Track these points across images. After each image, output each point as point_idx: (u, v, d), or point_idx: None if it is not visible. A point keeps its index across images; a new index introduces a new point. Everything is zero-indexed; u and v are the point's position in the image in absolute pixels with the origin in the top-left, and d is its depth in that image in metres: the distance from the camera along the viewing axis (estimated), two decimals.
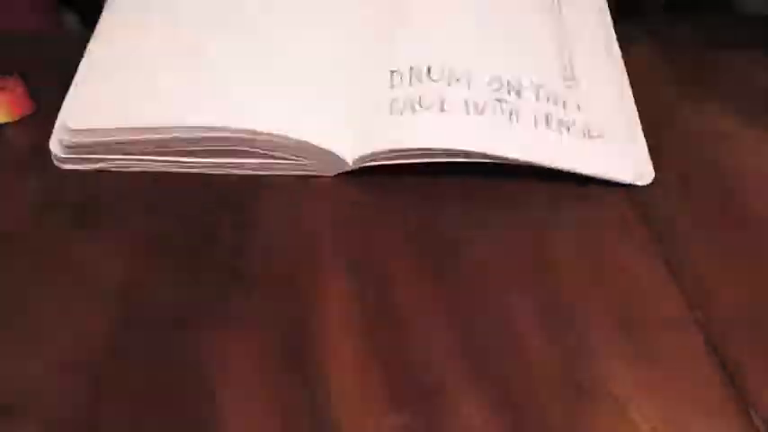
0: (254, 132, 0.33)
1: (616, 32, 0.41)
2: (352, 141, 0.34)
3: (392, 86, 0.35)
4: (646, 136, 0.36)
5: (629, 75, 0.38)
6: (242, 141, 0.33)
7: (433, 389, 0.25)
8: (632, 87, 0.38)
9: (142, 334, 0.27)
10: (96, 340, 0.27)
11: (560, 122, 0.35)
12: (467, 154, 0.33)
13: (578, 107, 0.36)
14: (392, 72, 0.36)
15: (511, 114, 0.34)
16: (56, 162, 0.35)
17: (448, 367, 0.25)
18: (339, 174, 0.35)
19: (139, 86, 0.35)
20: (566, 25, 0.40)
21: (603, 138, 0.35)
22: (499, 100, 0.34)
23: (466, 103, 0.34)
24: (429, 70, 0.35)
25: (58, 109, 0.43)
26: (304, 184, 0.34)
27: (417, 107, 0.34)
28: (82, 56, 0.51)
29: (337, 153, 0.33)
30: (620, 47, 0.40)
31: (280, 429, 0.23)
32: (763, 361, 0.25)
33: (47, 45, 0.51)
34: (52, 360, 0.26)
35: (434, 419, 0.24)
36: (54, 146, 0.35)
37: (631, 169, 0.34)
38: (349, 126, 0.34)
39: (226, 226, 0.32)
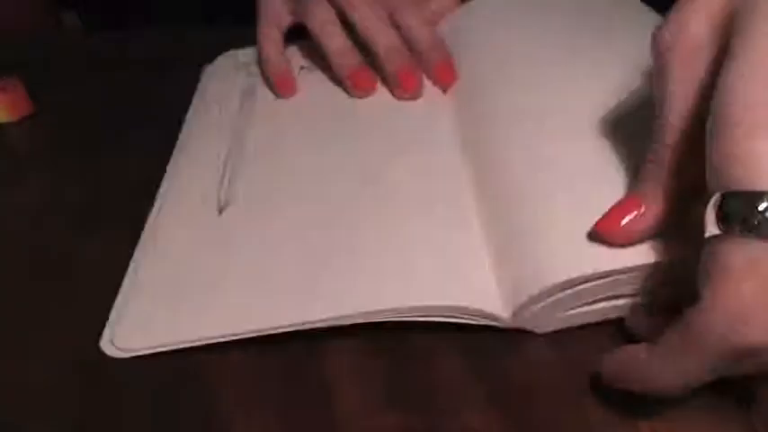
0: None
1: None
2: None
3: None
4: None
5: None
6: None
7: (432, 388, 0.25)
8: None
9: None
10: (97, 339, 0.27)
11: None
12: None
13: None
14: None
15: None
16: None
17: (449, 366, 0.25)
18: None
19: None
20: None
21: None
22: None
23: None
24: None
25: (57, 109, 0.43)
26: None
27: None
28: (82, 56, 0.51)
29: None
30: None
31: (279, 429, 0.23)
32: None
33: (47, 45, 0.52)
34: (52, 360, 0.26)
35: (434, 419, 0.24)
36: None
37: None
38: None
39: None
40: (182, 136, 0.39)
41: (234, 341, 0.26)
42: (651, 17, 0.42)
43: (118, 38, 0.52)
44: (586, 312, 0.26)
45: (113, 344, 0.26)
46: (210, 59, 0.47)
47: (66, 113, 0.42)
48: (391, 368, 0.25)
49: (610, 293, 0.25)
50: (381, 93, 0.38)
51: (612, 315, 0.26)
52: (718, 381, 0.24)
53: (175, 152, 0.37)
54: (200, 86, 0.44)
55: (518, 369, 0.25)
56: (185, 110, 0.41)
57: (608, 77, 0.32)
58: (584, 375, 0.25)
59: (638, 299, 0.25)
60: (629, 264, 0.24)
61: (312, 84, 0.41)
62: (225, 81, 0.44)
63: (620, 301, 0.26)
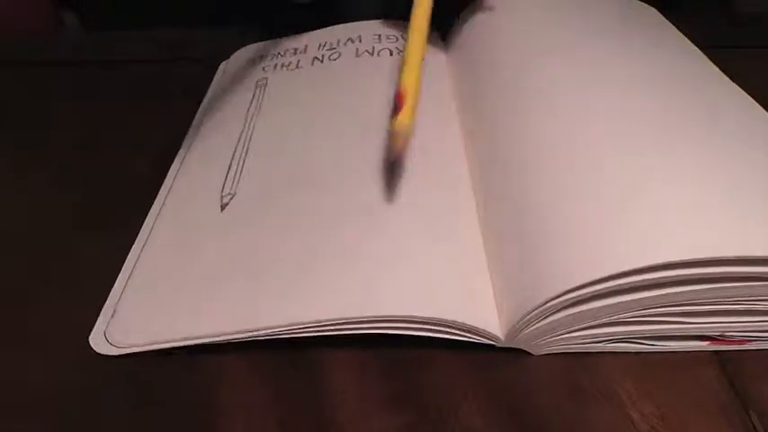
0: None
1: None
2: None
3: None
4: None
5: None
6: None
7: (433, 388, 0.25)
8: None
9: None
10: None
11: None
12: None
13: None
14: None
15: None
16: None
17: (448, 366, 0.25)
18: None
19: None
20: None
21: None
22: None
23: None
24: None
25: (57, 108, 0.43)
26: None
27: None
28: (81, 55, 0.51)
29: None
30: None
31: (279, 429, 0.23)
32: (763, 361, 0.25)
33: (47, 45, 0.52)
34: (50, 358, 0.26)
35: (434, 419, 0.24)
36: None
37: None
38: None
39: None
40: (192, 130, 0.39)
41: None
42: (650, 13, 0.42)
43: (118, 38, 0.52)
44: (585, 337, 0.25)
45: (107, 340, 0.26)
46: (211, 59, 0.47)
47: (67, 113, 0.42)
48: (391, 368, 0.25)
49: (609, 317, 0.24)
50: (389, 92, 0.38)
51: (612, 345, 0.25)
52: (717, 380, 0.25)
53: (184, 146, 0.37)
54: (215, 80, 0.44)
55: (518, 368, 0.25)
56: (185, 109, 0.41)
57: (618, 87, 0.32)
58: (584, 374, 0.25)
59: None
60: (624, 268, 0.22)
61: (324, 77, 0.41)
62: (240, 75, 0.44)
63: (622, 328, 0.25)
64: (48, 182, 0.36)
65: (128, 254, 0.30)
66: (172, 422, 0.24)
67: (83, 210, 0.34)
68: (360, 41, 0.44)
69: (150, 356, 0.26)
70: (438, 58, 0.43)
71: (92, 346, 0.26)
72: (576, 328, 0.24)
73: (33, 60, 0.49)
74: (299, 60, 0.43)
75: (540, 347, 0.25)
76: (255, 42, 0.47)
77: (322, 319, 0.25)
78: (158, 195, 0.34)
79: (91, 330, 0.27)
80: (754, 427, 0.23)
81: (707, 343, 0.25)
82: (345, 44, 0.44)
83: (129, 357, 0.26)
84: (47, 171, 0.37)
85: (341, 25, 0.46)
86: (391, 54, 0.42)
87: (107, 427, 0.24)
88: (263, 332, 0.25)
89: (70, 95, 0.44)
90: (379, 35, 0.44)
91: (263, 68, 0.43)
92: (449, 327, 0.25)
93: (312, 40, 0.45)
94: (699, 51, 0.37)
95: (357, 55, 0.42)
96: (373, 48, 0.43)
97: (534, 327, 0.24)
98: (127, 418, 0.24)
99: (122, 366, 0.25)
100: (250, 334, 0.25)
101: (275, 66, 0.43)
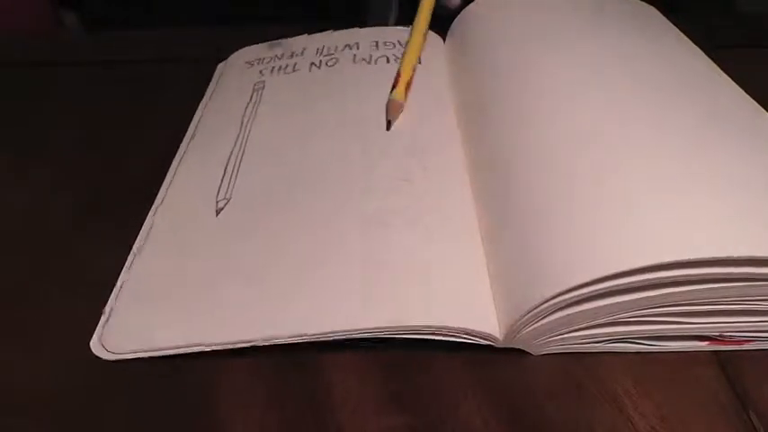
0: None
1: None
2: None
3: None
4: None
5: None
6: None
7: (433, 388, 0.25)
8: None
9: None
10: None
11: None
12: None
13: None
14: None
15: None
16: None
17: (448, 366, 0.25)
18: None
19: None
20: None
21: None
22: None
23: None
24: None
25: (57, 109, 0.44)
26: None
27: None
28: (81, 55, 0.51)
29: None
30: None
31: (279, 430, 0.23)
32: (762, 361, 0.25)
33: (47, 45, 0.52)
34: (48, 359, 0.26)
35: (434, 419, 0.24)
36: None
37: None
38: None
39: None
40: (189, 133, 0.38)
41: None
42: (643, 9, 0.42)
43: (118, 38, 0.52)
44: (584, 337, 0.25)
45: (103, 345, 0.26)
46: (210, 59, 0.47)
47: (67, 113, 0.42)
48: (391, 369, 0.25)
49: (608, 318, 0.24)
50: (384, 100, 0.38)
51: (611, 345, 0.25)
52: (716, 380, 0.25)
53: (180, 150, 0.37)
54: (212, 83, 0.44)
55: (517, 368, 0.25)
56: (185, 109, 0.41)
57: (616, 82, 0.32)
58: (584, 374, 0.25)
59: None
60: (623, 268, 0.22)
61: (321, 82, 0.41)
62: (237, 77, 0.44)
63: (621, 329, 0.25)
64: (48, 181, 0.36)
65: (126, 255, 0.30)
66: (172, 421, 0.24)
67: (82, 210, 0.34)
68: (357, 48, 0.44)
69: (149, 357, 0.26)
70: (438, 58, 0.43)
71: (91, 348, 0.26)
72: (575, 328, 0.24)
73: (33, 60, 0.49)
74: (296, 63, 0.43)
75: (540, 347, 0.25)
76: (254, 44, 0.47)
77: (318, 332, 0.25)
78: (156, 197, 0.33)
79: (89, 331, 0.27)
80: (753, 426, 0.23)
81: (706, 343, 0.25)
82: (343, 50, 0.44)
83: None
84: (47, 170, 0.37)
85: (339, 31, 0.46)
86: (388, 61, 0.42)
87: (106, 427, 0.24)
88: (262, 342, 0.25)
89: (70, 95, 0.44)
90: (377, 42, 0.44)
91: (261, 71, 0.43)
92: (446, 330, 0.25)
93: (310, 44, 0.45)
94: (699, 51, 0.37)
95: (354, 62, 0.42)
96: (370, 56, 0.43)
97: (533, 327, 0.24)
98: (126, 419, 0.24)
99: (121, 366, 0.25)
100: (248, 344, 0.25)
101: (273, 69, 0.43)
